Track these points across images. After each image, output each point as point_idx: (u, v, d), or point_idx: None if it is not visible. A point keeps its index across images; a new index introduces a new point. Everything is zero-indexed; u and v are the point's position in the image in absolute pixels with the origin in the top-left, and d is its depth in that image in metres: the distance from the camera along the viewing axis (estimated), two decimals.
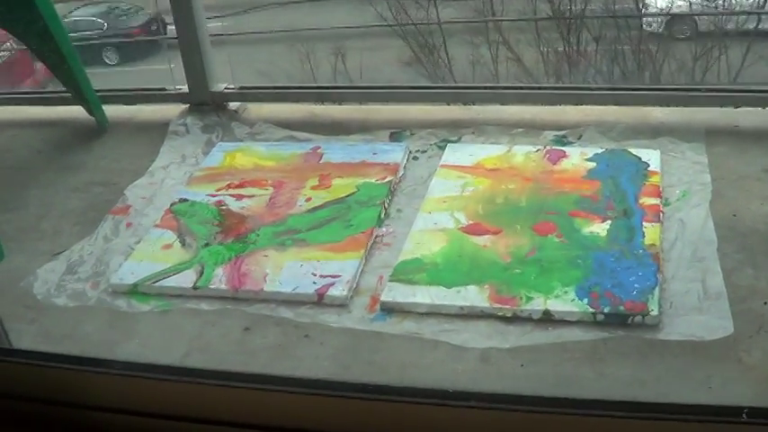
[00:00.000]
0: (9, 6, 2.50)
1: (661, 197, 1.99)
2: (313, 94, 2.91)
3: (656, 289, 1.70)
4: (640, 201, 1.98)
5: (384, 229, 2.02)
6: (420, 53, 7.50)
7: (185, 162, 2.41)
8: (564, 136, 2.30)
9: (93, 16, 8.00)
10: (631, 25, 7.07)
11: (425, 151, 2.32)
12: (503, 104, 2.55)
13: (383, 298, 1.78)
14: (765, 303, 1.67)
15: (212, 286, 1.88)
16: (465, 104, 2.62)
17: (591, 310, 1.68)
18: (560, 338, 1.65)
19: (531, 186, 2.09)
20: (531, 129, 2.35)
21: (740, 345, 1.58)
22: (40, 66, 3.91)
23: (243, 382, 1.34)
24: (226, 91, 2.65)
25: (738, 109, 2.32)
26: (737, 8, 6.86)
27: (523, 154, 2.23)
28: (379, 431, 1.30)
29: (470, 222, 1.98)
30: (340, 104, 2.73)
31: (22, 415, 1.42)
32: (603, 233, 1.89)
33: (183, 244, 2.03)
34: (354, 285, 1.84)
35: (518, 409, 1.23)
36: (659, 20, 7.20)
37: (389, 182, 2.17)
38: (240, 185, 2.23)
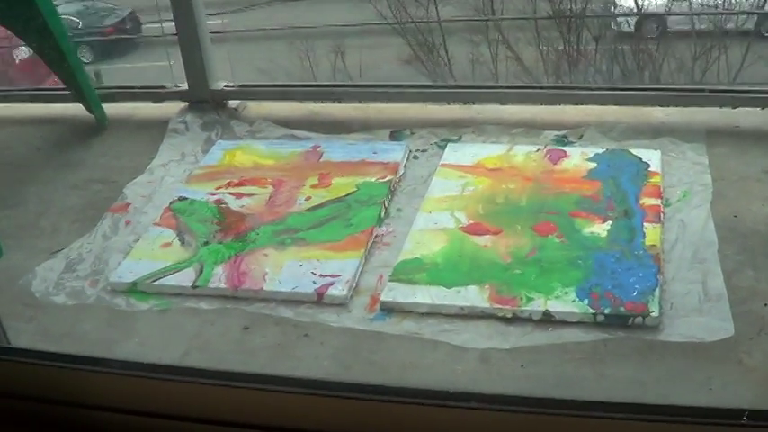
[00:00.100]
0: (9, 3, 2.50)
1: (662, 198, 1.99)
2: (313, 92, 2.91)
3: (657, 290, 1.70)
4: (641, 201, 1.97)
5: (384, 229, 2.02)
6: (420, 51, 7.51)
7: (185, 160, 2.40)
8: (564, 136, 2.30)
9: (69, 15, 8.04)
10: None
11: (426, 150, 2.32)
12: (503, 104, 2.54)
13: (383, 298, 1.78)
14: (766, 305, 1.66)
15: (212, 285, 1.87)
16: (465, 104, 2.61)
17: (591, 310, 1.67)
18: (560, 339, 1.64)
19: (531, 186, 2.09)
20: (532, 128, 2.34)
21: (741, 346, 1.58)
22: None
23: (242, 382, 1.33)
24: (225, 89, 2.64)
25: (739, 109, 2.32)
26: (737, 8, 6.88)
27: (524, 154, 2.22)
28: (379, 431, 1.30)
29: (471, 222, 1.98)
30: (340, 103, 2.73)
31: (21, 413, 1.42)
32: (604, 234, 1.89)
33: (183, 242, 2.02)
34: (354, 285, 1.83)
35: (518, 409, 1.23)
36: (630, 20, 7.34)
37: (389, 181, 2.16)
38: (240, 184, 2.23)
